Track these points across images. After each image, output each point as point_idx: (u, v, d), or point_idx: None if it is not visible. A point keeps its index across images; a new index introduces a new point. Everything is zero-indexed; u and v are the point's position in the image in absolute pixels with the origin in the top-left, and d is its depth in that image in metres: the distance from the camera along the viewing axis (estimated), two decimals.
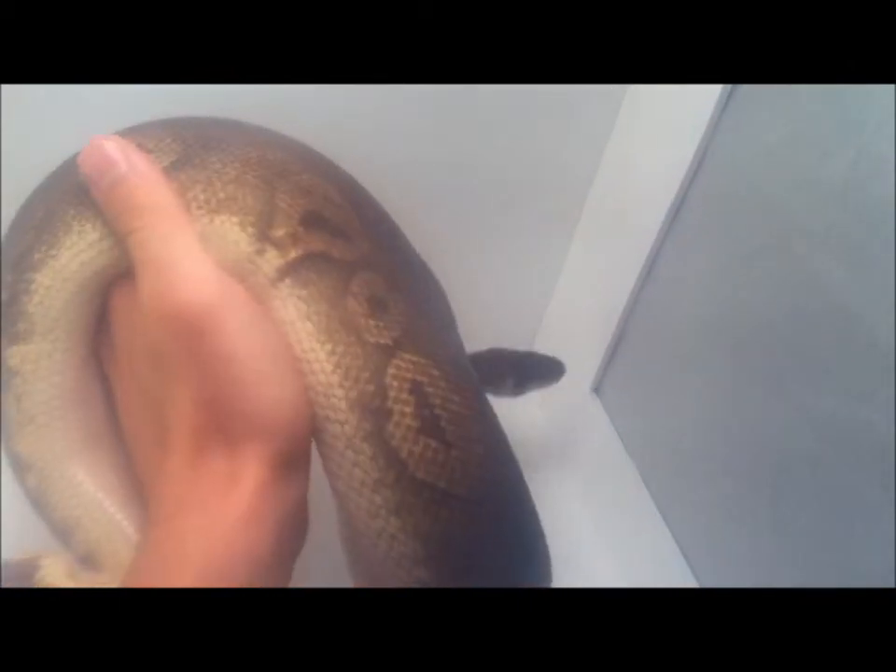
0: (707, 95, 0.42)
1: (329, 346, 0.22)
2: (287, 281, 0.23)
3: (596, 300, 0.56)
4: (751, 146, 0.41)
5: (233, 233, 0.23)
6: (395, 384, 0.22)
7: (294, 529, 0.23)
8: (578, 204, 0.56)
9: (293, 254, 0.23)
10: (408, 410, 0.22)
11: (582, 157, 0.53)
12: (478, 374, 0.48)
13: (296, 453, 0.23)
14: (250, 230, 0.23)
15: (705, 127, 0.43)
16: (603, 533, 0.53)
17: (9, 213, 0.28)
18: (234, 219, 0.23)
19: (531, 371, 0.50)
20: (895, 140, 0.31)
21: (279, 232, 0.23)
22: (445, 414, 0.22)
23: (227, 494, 0.21)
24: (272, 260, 0.23)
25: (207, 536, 0.21)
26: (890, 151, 0.32)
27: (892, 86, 0.31)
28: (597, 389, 0.59)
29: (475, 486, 0.22)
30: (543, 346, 0.63)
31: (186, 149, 0.24)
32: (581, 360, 0.58)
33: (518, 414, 0.61)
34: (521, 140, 0.50)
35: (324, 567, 0.39)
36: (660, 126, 0.48)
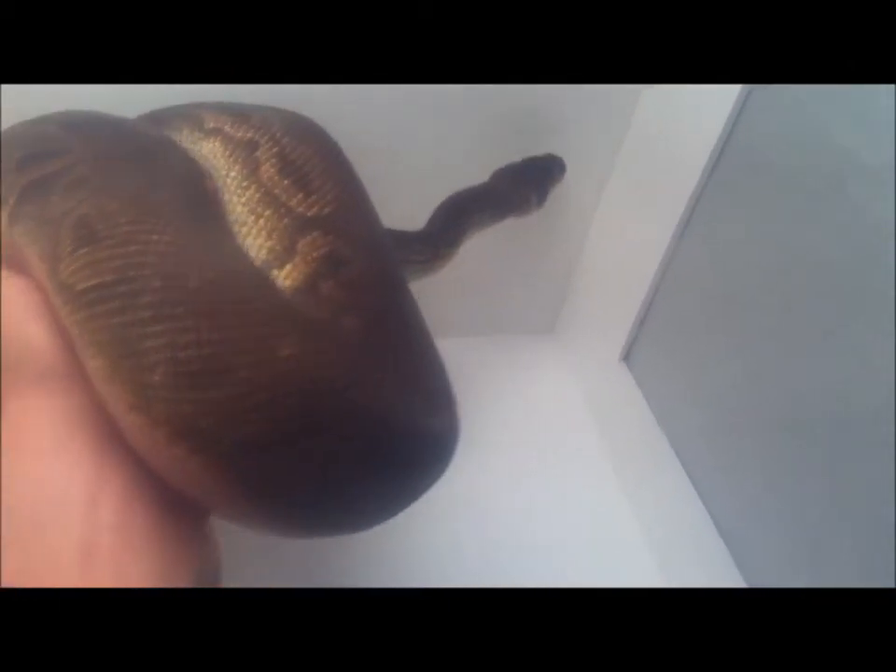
0: None
1: (36, 248, 0.23)
2: (16, 227, 0.24)
3: (625, 265, 0.55)
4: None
5: None
6: (65, 227, 0.22)
7: (92, 434, 0.21)
8: (607, 165, 0.55)
9: (11, 201, 0.24)
10: (68, 241, 0.22)
11: (613, 112, 0.52)
12: (503, 204, 0.46)
13: (26, 368, 0.22)
14: None
15: None
16: (634, 504, 0.52)
17: None
18: None
19: (543, 177, 0.48)
20: None
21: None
22: (98, 223, 0.22)
23: None
24: (2, 221, 0.24)
25: None
26: None
27: None
28: (627, 358, 0.57)
29: (118, 269, 0.21)
30: (571, 312, 0.64)
31: None
32: (610, 328, 0.57)
33: (546, 384, 0.61)
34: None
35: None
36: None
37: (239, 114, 0.31)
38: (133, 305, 0.20)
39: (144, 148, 0.28)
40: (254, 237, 0.27)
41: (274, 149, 0.29)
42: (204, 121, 0.31)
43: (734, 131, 0.43)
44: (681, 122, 0.48)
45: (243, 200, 0.28)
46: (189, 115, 0.32)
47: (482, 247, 0.45)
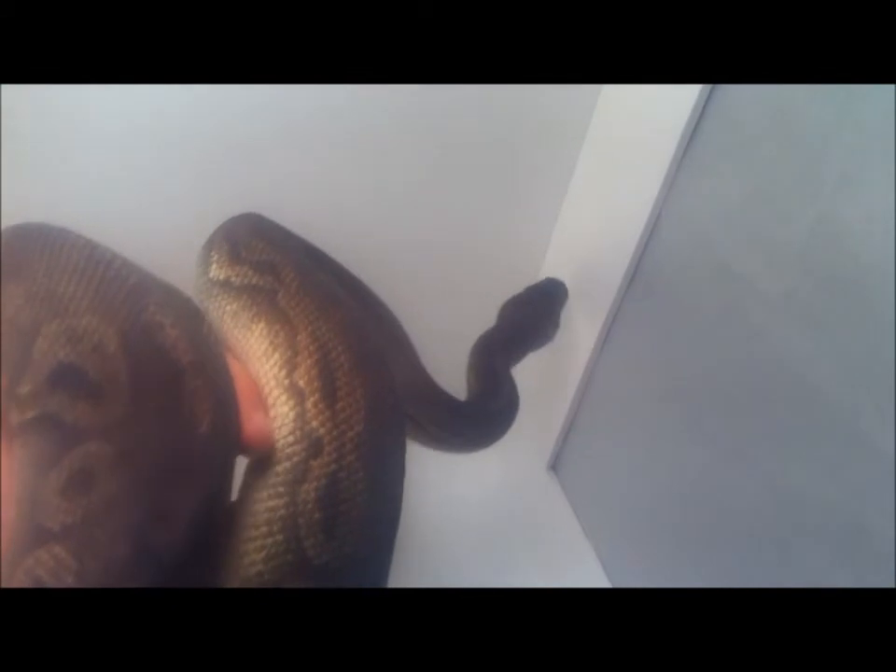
0: (665, 145, 0.41)
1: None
2: (17, 443, 0.21)
3: (550, 376, 0.57)
4: (707, 204, 0.39)
5: None
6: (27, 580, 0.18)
7: None
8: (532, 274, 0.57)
9: (29, 414, 0.20)
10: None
11: (539, 219, 0.56)
12: (529, 342, 0.48)
13: None
14: (6, 383, 0.20)
15: (660, 184, 0.42)
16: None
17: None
18: None
19: (552, 305, 0.50)
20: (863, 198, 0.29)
21: (24, 389, 0.20)
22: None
23: None
24: (13, 420, 0.20)
25: None
26: (853, 213, 0.30)
27: (854, 147, 0.29)
28: (554, 467, 0.60)
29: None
30: None
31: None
32: (538, 438, 0.60)
33: (475, 492, 0.62)
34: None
35: None
36: (612, 189, 0.48)
37: (332, 387, 0.25)
38: None
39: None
40: (255, 549, 0.23)
41: (331, 467, 0.24)
42: (298, 369, 0.26)
43: (654, 230, 0.45)
44: (606, 205, 0.49)
45: (269, 504, 0.24)
46: (292, 321, 0.27)
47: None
